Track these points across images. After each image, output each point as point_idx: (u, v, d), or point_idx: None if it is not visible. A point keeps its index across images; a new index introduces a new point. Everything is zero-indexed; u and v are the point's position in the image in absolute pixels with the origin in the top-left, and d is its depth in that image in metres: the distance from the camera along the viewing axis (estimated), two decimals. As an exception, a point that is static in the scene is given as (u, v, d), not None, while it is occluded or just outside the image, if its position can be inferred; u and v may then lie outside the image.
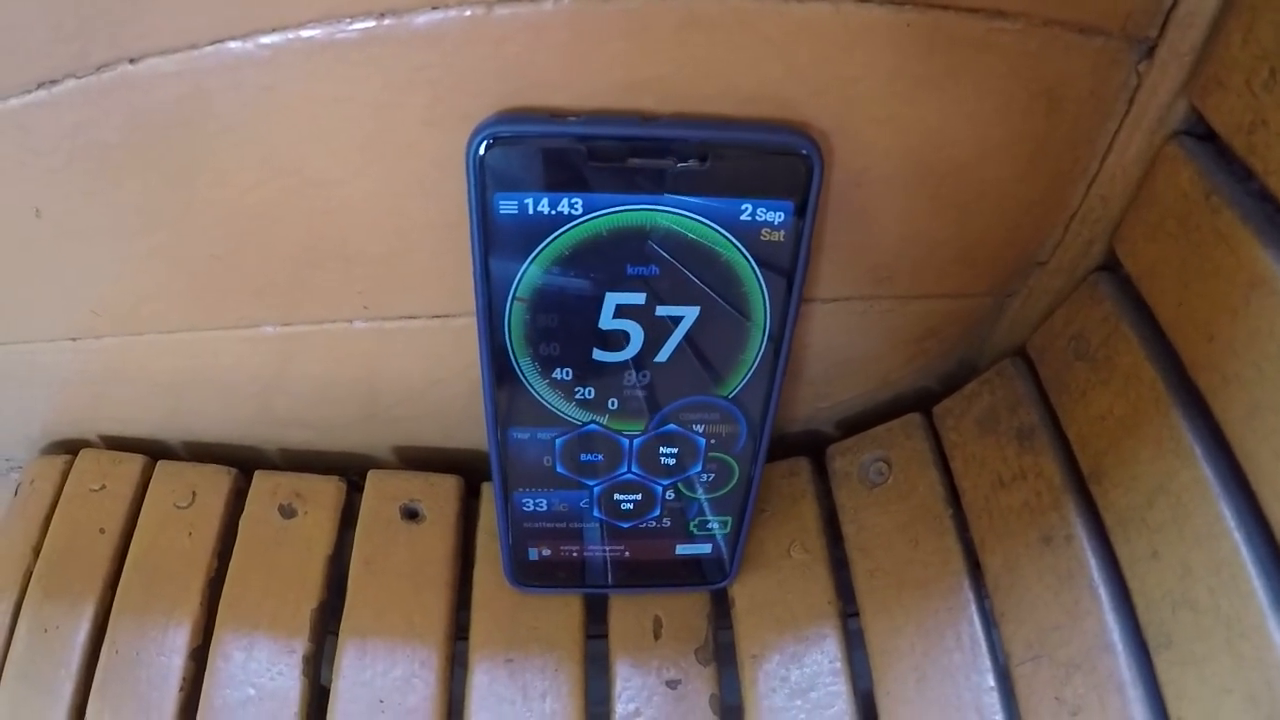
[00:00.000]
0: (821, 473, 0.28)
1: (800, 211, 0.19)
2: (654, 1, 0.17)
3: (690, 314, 0.20)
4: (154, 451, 0.31)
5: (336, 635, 0.27)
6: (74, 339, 0.27)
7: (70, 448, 0.32)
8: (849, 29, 0.18)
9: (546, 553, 0.25)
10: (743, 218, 0.19)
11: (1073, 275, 0.24)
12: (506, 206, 0.18)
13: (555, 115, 0.18)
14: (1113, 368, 0.22)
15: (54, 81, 0.19)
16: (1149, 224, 0.21)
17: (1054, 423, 0.24)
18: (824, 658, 0.25)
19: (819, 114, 0.19)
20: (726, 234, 0.19)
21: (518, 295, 0.20)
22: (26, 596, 0.29)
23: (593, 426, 0.22)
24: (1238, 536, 0.18)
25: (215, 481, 0.29)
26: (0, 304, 0.26)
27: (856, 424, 0.28)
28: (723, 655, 0.26)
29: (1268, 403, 0.17)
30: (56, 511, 0.30)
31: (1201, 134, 0.20)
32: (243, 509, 0.29)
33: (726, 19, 0.17)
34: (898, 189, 0.21)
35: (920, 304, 0.24)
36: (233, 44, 0.18)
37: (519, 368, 0.21)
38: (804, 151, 0.18)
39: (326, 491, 0.29)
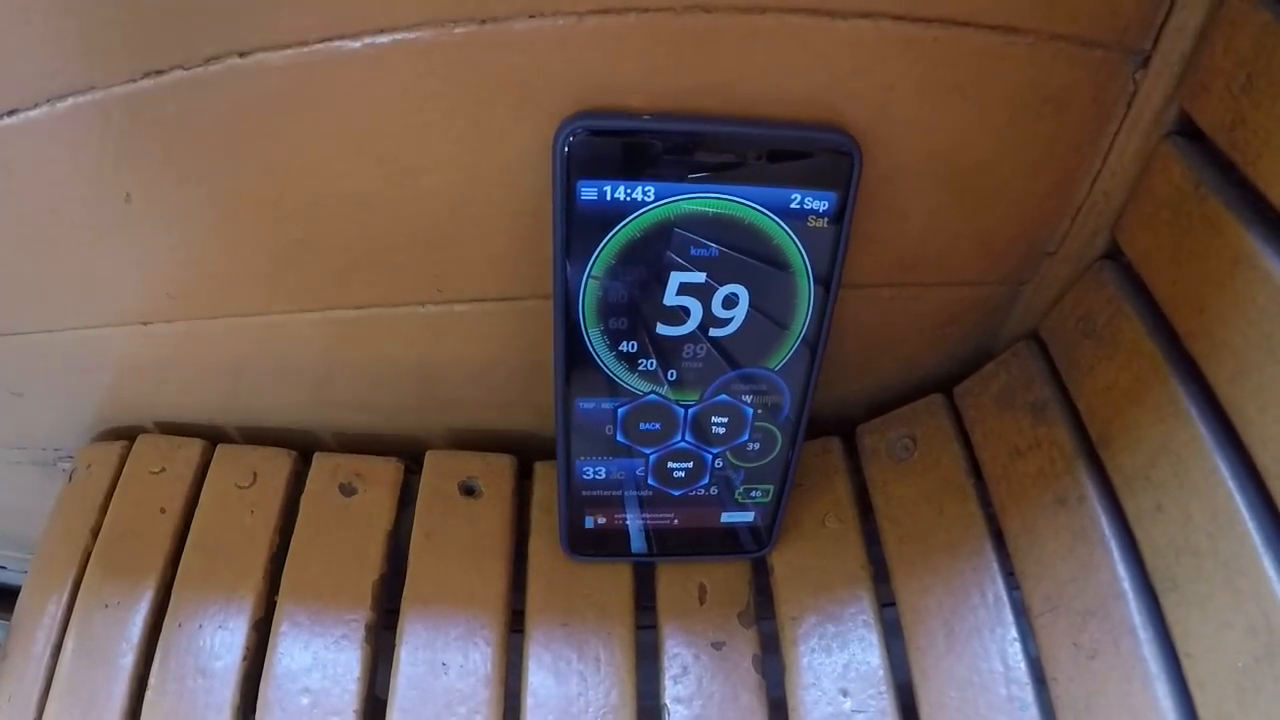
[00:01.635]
0: (852, 450, 0.30)
1: (842, 201, 0.21)
2: (720, 16, 0.20)
3: (744, 292, 0.22)
4: (209, 436, 0.32)
5: (395, 609, 0.28)
6: (146, 323, 0.28)
7: (124, 434, 0.33)
8: (885, 42, 0.20)
9: (602, 521, 0.27)
10: (792, 206, 0.21)
11: (1079, 263, 0.26)
12: (587, 193, 0.20)
13: (632, 113, 0.20)
14: (1117, 344, 0.24)
15: (160, 71, 0.20)
16: (1146, 214, 0.24)
17: (1064, 396, 0.26)
18: (858, 618, 0.27)
19: (858, 117, 0.21)
20: (778, 220, 0.21)
21: (592, 273, 0.22)
22: (86, 575, 0.30)
23: (652, 396, 0.24)
24: (1232, 485, 0.20)
25: (276, 463, 0.31)
26: (76, 288, 0.27)
27: (883, 405, 0.30)
28: (764, 618, 0.28)
29: (1252, 364, 0.20)
30: (116, 493, 0.31)
31: (1191, 133, 0.23)
32: (303, 489, 0.30)
33: (781, 32, 0.20)
34: (923, 184, 0.23)
35: (942, 291, 0.27)
36: (342, 43, 0.20)
37: (589, 340, 0.23)
38: (846, 149, 0.21)
39: (386, 471, 0.30)
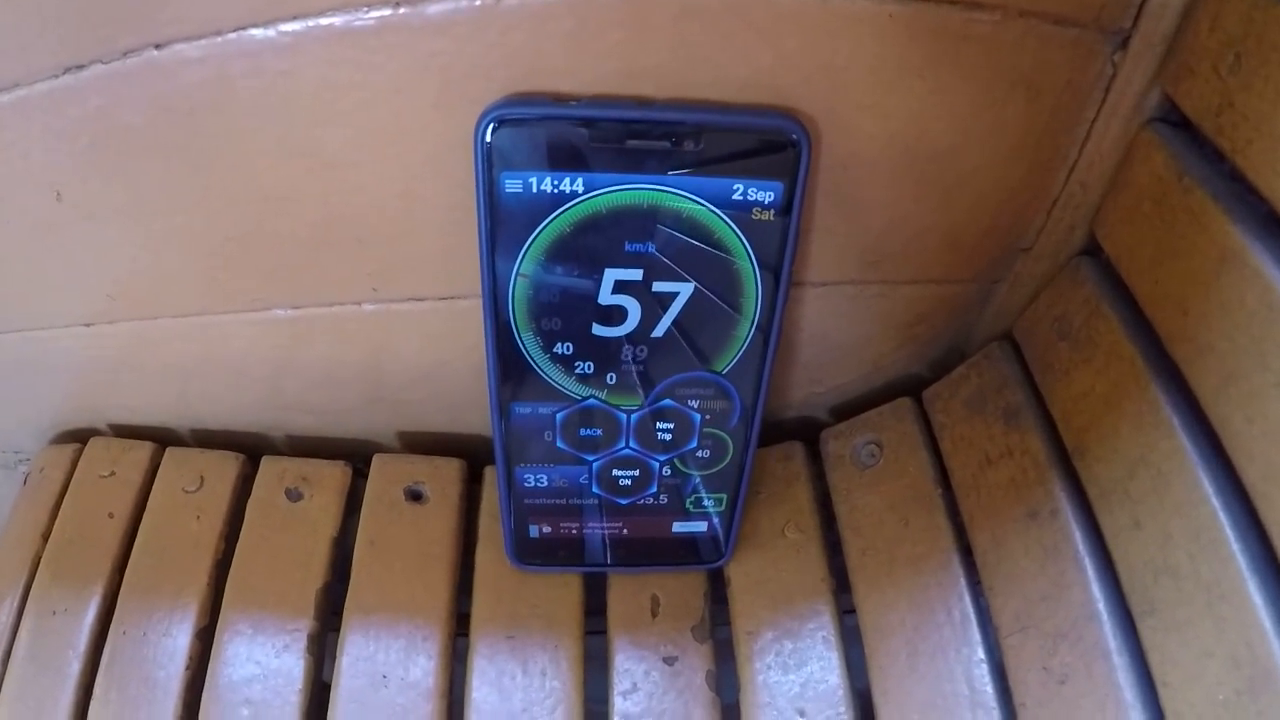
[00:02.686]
0: (815, 456, 0.29)
1: (789, 192, 0.20)
2: (652, -8, 0.18)
3: (685, 290, 0.21)
4: (162, 439, 0.31)
5: (340, 616, 0.28)
6: (89, 324, 0.27)
7: (79, 437, 0.32)
8: (835, 19, 0.19)
9: (547, 530, 0.26)
10: (735, 197, 0.20)
11: (1055, 261, 0.25)
12: (512, 185, 0.19)
13: (559, 99, 0.19)
14: (1094, 347, 0.23)
15: (80, 66, 0.20)
16: (1126, 207, 0.22)
17: (1039, 402, 0.24)
18: (818, 634, 0.26)
19: (807, 100, 0.20)
20: (719, 213, 0.20)
21: (521, 271, 0.20)
22: (35, 580, 0.29)
23: (592, 401, 0.23)
24: (1215, 503, 0.19)
25: (223, 467, 0.30)
26: (18, 290, 0.27)
27: (849, 409, 0.29)
28: (719, 633, 0.27)
29: (1240, 371, 0.18)
30: (66, 498, 0.31)
31: (1174, 120, 0.21)
32: (250, 493, 0.29)
33: (720, 9, 0.18)
34: (883, 174, 0.22)
35: (909, 289, 0.25)
36: (255, 31, 0.19)
37: (522, 342, 0.22)
38: (793, 136, 0.19)
39: (332, 475, 0.29)
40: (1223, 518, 0.19)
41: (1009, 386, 0.25)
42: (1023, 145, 0.22)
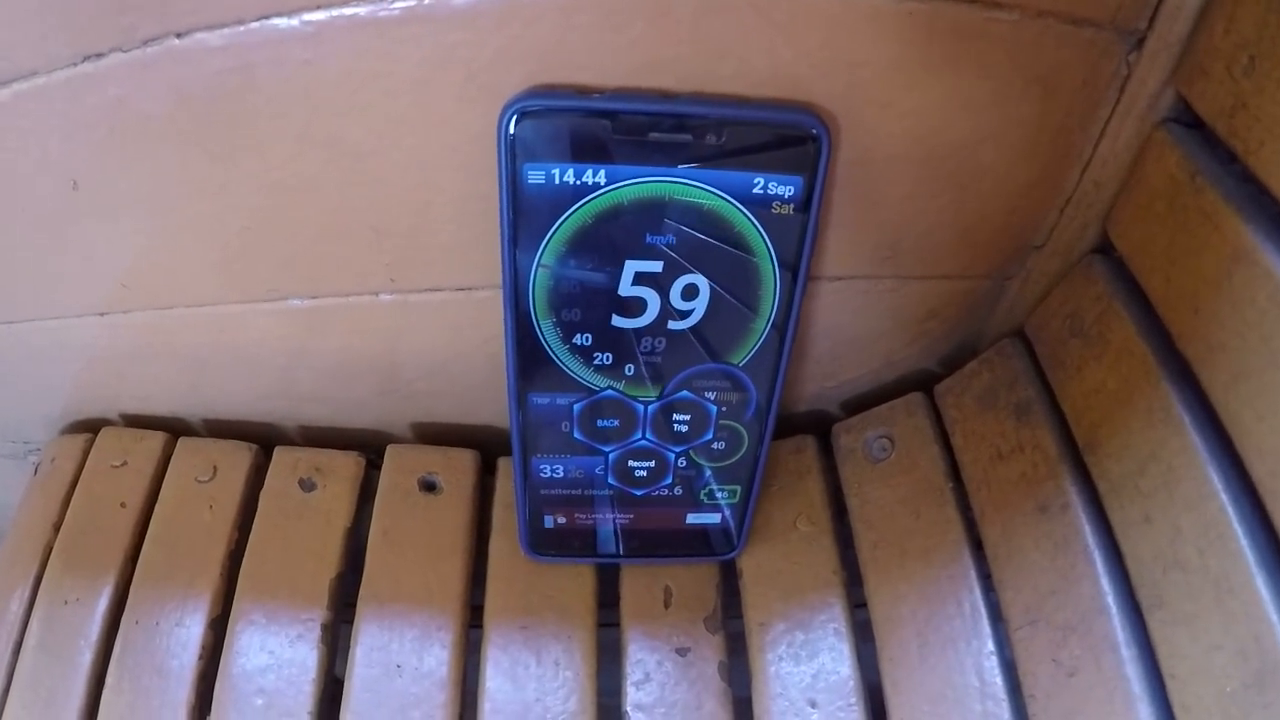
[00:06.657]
0: (827, 450, 0.29)
1: (809, 186, 0.20)
2: (675, -13, 0.18)
3: (704, 283, 0.21)
4: (174, 429, 0.31)
5: (354, 606, 0.28)
6: (102, 314, 0.27)
7: (90, 427, 0.32)
8: (854, 16, 0.19)
9: (562, 520, 0.26)
10: (755, 191, 0.20)
11: (1068, 258, 0.25)
12: (534, 177, 0.19)
13: (582, 91, 0.19)
14: (1106, 344, 0.23)
15: (99, 55, 0.20)
16: (1139, 206, 0.22)
17: (1050, 398, 0.25)
18: (829, 625, 0.26)
19: (826, 96, 0.20)
20: (739, 206, 0.20)
21: (542, 262, 0.21)
22: (46, 570, 0.29)
23: (610, 392, 0.23)
24: (1224, 498, 0.19)
25: (236, 457, 0.30)
26: (31, 278, 0.27)
27: (860, 404, 0.29)
28: (731, 624, 0.27)
29: (1250, 368, 0.19)
30: (77, 488, 0.31)
31: (1188, 121, 0.21)
32: (263, 483, 0.30)
33: (741, 5, 0.19)
34: (899, 170, 0.22)
35: (922, 284, 0.26)
36: (279, 20, 0.19)
37: (541, 333, 0.22)
38: (813, 130, 0.20)
39: (346, 466, 0.30)
40: (1232, 513, 0.19)
41: (1020, 382, 0.25)
42: (1037, 143, 0.22)
